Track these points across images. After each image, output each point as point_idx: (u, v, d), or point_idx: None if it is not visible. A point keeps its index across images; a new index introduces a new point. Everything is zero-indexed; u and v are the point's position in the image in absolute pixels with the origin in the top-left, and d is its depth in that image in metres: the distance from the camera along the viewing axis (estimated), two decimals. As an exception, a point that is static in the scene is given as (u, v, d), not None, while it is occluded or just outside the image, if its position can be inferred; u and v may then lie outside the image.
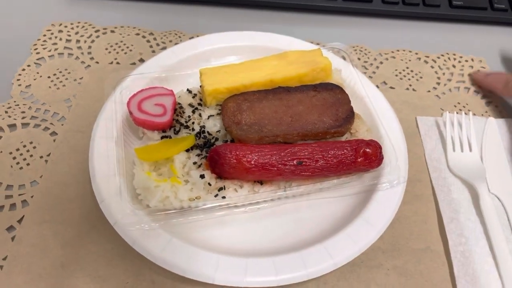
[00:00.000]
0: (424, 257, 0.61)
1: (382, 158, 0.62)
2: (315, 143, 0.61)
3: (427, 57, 0.89)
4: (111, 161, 0.61)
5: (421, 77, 0.85)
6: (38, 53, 0.85)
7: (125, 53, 0.86)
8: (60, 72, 0.82)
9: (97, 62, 0.84)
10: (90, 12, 0.94)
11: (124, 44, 0.87)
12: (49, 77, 0.81)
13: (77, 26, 0.90)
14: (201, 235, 0.60)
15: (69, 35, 0.88)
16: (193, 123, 0.67)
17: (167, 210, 0.57)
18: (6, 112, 0.74)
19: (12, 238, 0.60)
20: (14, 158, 0.69)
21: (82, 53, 0.85)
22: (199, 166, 0.61)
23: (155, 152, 0.62)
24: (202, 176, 0.59)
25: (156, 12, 0.96)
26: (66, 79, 0.80)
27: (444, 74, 0.86)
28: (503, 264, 0.59)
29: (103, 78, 0.79)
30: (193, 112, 0.68)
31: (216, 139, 0.65)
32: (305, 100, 0.66)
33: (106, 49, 0.86)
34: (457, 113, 0.76)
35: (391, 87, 0.83)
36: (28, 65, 0.82)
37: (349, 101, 0.67)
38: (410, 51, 0.90)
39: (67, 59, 0.84)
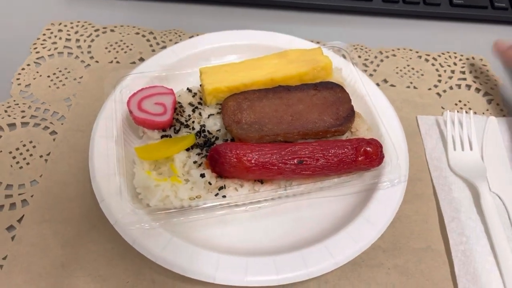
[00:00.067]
0: (425, 256, 0.61)
1: (383, 157, 0.62)
2: (316, 142, 0.61)
3: (428, 55, 0.89)
4: (111, 160, 0.61)
5: (422, 75, 0.85)
6: (37, 52, 0.84)
7: (125, 52, 0.86)
8: (60, 71, 0.81)
9: (97, 61, 0.83)
10: (90, 11, 0.94)
11: (124, 43, 0.87)
12: (48, 76, 0.80)
13: (77, 25, 0.90)
14: (201, 234, 0.60)
15: (69, 34, 0.88)
16: (193, 122, 0.66)
17: (167, 209, 0.57)
18: (6, 111, 0.74)
19: (12, 238, 0.60)
20: (14, 157, 0.68)
21: (82, 52, 0.85)
22: (200, 165, 0.61)
23: (155, 151, 0.62)
24: (202, 175, 0.59)
25: (156, 11, 0.95)
26: (66, 78, 0.80)
27: (445, 71, 0.86)
28: (504, 263, 0.59)
29: (103, 77, 0.79)
30: (193, 111, 0.68)
31: (217, 138, 0.65)
32: (305, 99, 0.66)
33: (106, 48, 0.86)
34: (457, 111, 0.76)
35: (392, 85, 0.83)
36: (28, 64, 0.82)
37: (350, 100, 0.66)
38: (410, 50, 0.90)
39: (67, 58, 0.84)
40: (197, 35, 0.87)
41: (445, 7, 0.95)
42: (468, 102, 0.81)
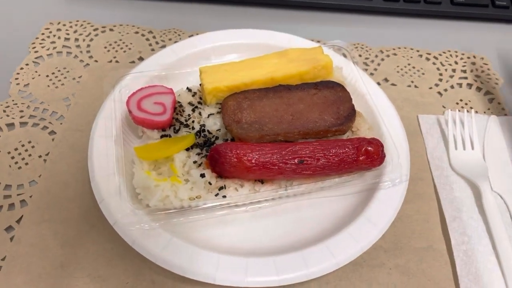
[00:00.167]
0: (427, 256, 0.61)
1: (384, 156, 0.62)
2: (316, 142, 0.61)
3: (429, 54, 0.89)
4: (110, 160, 0.61)
5: (423, 74, 0.85)
6: (36, 51, 0.84)
7: (124, 51, 0.85)
8: (59, 71, 0.81)
9: (96, 61, 0.83)
10: (89, 10, 0.94)
11: (123, 43, 0.87)
12: (47, 76, 0.80)
13: (76, 25, 0.90)
14: (201, 235, 0.59)
15: (68, 34, 0.88)
16: (193, 121, 0.66)
17: (167, 209, 0.57)
18: (4, 111, 0.74)
19: (11, 238, 0.60)
20: (13, 157, 0.68)
21: (81, 52, 0.85)
22: (200, 165, 0.61)
23: (154, 151, 0.62)
24: (202, 175, 0.59)
25: (155, 10, 0.95)
26: (65, 77, 0.80)
27: (446, 70, 0.86)
28: (506, 262, 0.58)
29: (102, 77, 0.78)
30: (193, 110, 0.67)
31: (217, 138, 0.65)
32: (306, 98, 0.66)
33: (105, 47, 0.86)
34: (459, 110, 0.76)
35: (393, 84, 0.83)
36: (27, 64, 0.82)
37: (351, 99, 0.66)
38: (411, 48, 0.90)
39: (65, 57, 0.84)
40: (197, 34, 0.87)
41: (446, 5, 0.95)
42: (469, 101, 0.81)
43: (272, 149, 0.59)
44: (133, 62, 0.83)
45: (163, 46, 0.86)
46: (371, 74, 0.84)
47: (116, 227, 0.56)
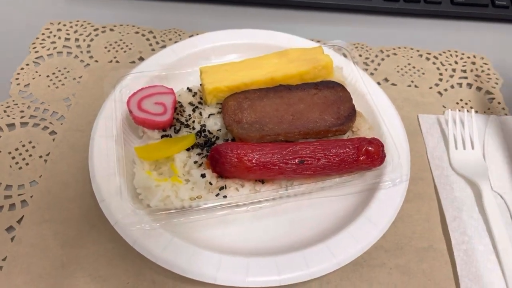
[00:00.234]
0: (427, 255, 0.61)
1: (385, 156, 0.62)
2: (317, 142, 0.61)
3: (429, 54, 0.89)
4: (111, 160, 0.61)
5: (423, 73, 0.85)
6: (36, 52, 0.84)
7: (125, 51, 0.85)
8: (59, 71, 0.81)
9: (96, 61, 0.83)
10: (89, 10, 0.94)
11: (124, 43, 0.87)
12: (48, 76, 0.80)
13: (76, 25, 0.90)
14: (202, 235, 0.59)
15: (68, 34, 0.88)
16: (193, 122, 0.66)
17: (168, 209, 0.57)
18: (5, 111, 0.74)
19: (12, 239, 0.60)
20: (13, 158, 0.68)
21: (81, 52, 0.85)
22: (200, 165, 0.61)
23: (155, 151, 0.62)
24: (203, 175, 0.59)
25: (155, 10, 0.95)
26: (65, 78, 0.80)
27: (446, 70, 0.86)
28: (506, 262, 0.58)
29: (102, 77, 0.78)
30: (194, 110, 0.67)
31: (217, 138, 0.65)
32: (306, 98, 0.66)
33: (106, 47, 0.86)
34: (459, 110, 0.76)
35: (393, 84, 0.83)
36: (27, 64, 0.82)
37: (351, 99, 0.66)
38: (411, 48, 0.90)
39: (66, 58, 0.84)
40: (197, 34, 0.87)
41: (446, 5, 0.95)
42: (470, 101, 0.81)
43: (272, 149, 0.59)
44: (134, 62, 0.83)
45: (164, 46, 0.86)
46: (371, 74, 0.85)
47: (117, 227, 0.56)
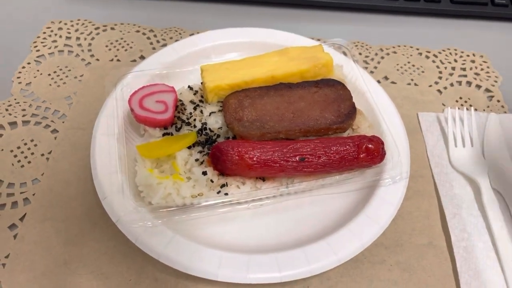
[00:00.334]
0: (427, 252, 0.61)
1: (385, 154, 0.62)
2: (317, 139, 0.61)
3: (428, 52, 0.89)
4: (112, 158, 0.61)
5: (423, 71, 0.85)
6: (38, 50, 0.84)
7: (126, 50, 0.86)
8: (61, 69, 0.81)
9: (97, 59, 0.83)
10: (90, 9, 0.94)
11: (125, 41, 0.87)
12: (49, 74, 0.80)
13: (77, 24, 0.90)
14: (203, 232, 0.60)
15: (69, 33, 0.88)
16: (194, 120, 0.66)
17: (169, 207, 0.57)
18: (7, 110, 0.74)
19: (15, 236, 0.60)
20: (15, 156, 0.68)
21: (82, 51, 0.85)
22: (201, 163, 0.61)
23: (157, 149, 0.62)
24: (204, 173, 0.59)
25: (156, 9, 0.95)
26: (67, 76, 0.80)
27: (446, 68, 0.86)
28: (505, 259, 0.59)
29: (103, 75, 0.79)
30: (195, 109, 0.68)
31: (218, 136, 0.65)
32: (306, 96, 0.66)
33: (106, 46, 0.86)
34: (458, 108, 0.76)
35: (393, 82, 0.83)
36: (28, 63, 0.82)
37: (351, 97, 0.66)
38: (411, 47, 0.90)
39: (67, 56, 0.84)
40: (198, 32, 0.87)
41: (446, 4, 0.95)
42: (469, 98, 0.81)
43: (273, 147, 0.59)
44: (135, 60, 0.84)
45: (164, 45, 0.87)
46: (371, 72, 0.85)
47: (119, 225, 0.56)
